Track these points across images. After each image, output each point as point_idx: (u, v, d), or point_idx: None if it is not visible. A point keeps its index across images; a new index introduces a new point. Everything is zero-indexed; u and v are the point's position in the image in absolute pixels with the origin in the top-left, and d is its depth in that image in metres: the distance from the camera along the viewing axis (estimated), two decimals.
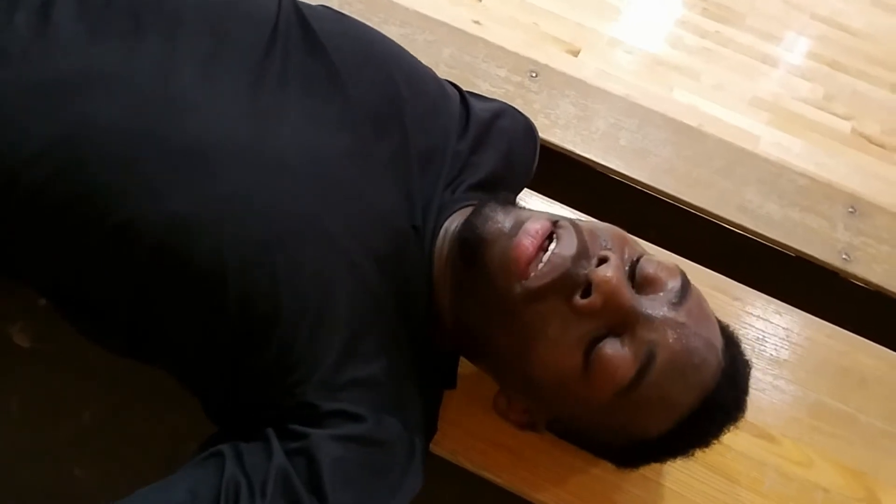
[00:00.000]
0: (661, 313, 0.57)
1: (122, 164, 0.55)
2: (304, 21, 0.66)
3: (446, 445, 0.70)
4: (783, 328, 0.88)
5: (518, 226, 0.58)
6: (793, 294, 0.93)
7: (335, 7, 0.77)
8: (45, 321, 0.73)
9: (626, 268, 0.58)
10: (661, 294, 0.58)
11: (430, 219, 0.66)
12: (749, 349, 0.73)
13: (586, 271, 0.56)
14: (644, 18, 1.26)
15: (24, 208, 0.56)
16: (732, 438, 0.65)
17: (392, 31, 1.03)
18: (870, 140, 1.19)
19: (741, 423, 0.64)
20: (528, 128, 0.84)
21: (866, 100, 1.23)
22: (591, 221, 0.64)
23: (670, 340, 0.56)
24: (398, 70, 0.70)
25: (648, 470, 0.71)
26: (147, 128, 0.56)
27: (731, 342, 0.63)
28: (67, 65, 0.56)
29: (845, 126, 1.18)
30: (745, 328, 0.87)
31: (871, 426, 0.80)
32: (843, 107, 1.20)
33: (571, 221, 0.60)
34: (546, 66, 1.08)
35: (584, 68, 1.12)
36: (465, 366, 0.70)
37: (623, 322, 0.56)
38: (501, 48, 1.08)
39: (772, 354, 0.85)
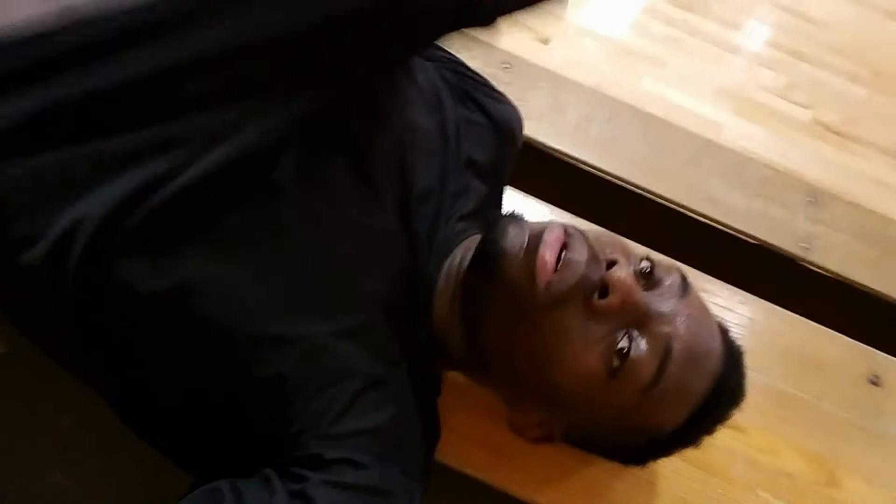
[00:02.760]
0: (671, 307, 0.60)
1: None
2: None
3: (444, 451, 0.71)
4: (747, 318, 0.91)
5: (536, 237, 0.59)
6: (755, 283, 0.96)
7: None
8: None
9: (633, 269, 0.61)
10: (666, 289, 0.61)
11: (432, 257, 0.67)
12: None
13: (601, 274, 0.59)
14: (611, 6, 1.27)
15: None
16: None
17: None
18: (828, 128, 1.22)
19: None
20: (516, 126, 0.85)
21: (826, 89, 1.26)
22: (594, 229, 0.66)
23: (682, 332, 0.59)
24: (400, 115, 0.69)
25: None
26: None
27: (723, 329, 0.67)
28: None
29: (806, 115, 1.21)
30: None
31: (831, 413, 0.84)
32: (803, 95, 1.23)
33: (578, 229, 0.62)
34: (518, 57, 1.08)
35: (553, 56, 1.12)
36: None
37: (638, 319, 0.59)
38: (474, 38, 1.08)
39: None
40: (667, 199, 1.04)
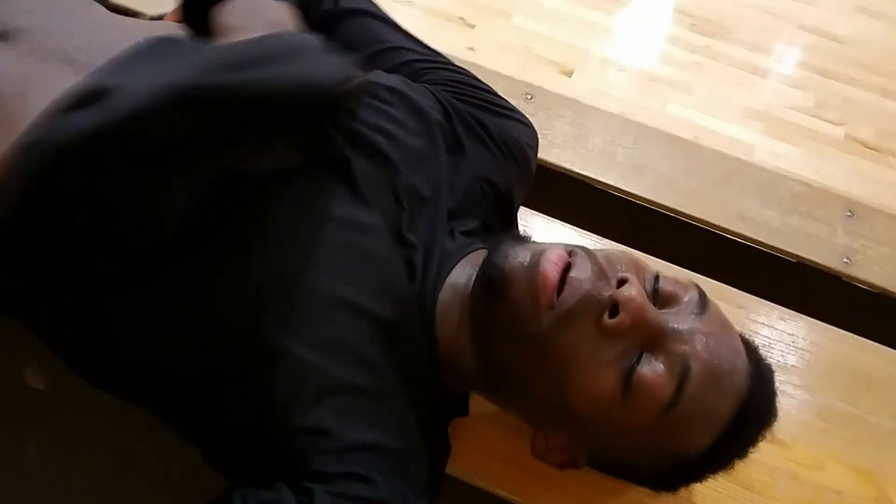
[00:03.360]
0: (688, 325, 0.58)
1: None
2: None
3: (460, 465, 0.70)
4: (788, 334, 0.89)
5: (537, 257, 0.59)
6: (796, 300, 0.94)
7: None
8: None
9: (645, 287, 0.59)
10: (682, 307, 0.59)
11: (431, 272, 0.66)
12: None
13: (609, 293, 0.58)
14: (634, 36, 1.29)
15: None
16: None
17: None
18: (864, 144, 1.20)
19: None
20: (525, 141, 0.84)
21: (857, 105, 1.25)
22: (605, 248, 0.65)
23: (701, 350, 0.57)
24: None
25: None
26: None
27: (750, 347, 0.64)
28: None
29: (839, 132, 1.20)
30: (751, 336, 0.86)
31: (879, 426, 0.81)
32: (835, 113, 1.22)
33: (584, 249, 0.61)
34: (540, 88, 1.10)
35: (578, 88, 1.14)
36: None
37: (653, 339, 0.57)
38: (496, 73, 1.10)
39: (778, 360, 0.85)
40: (699, 220, 1.03)
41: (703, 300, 0.61)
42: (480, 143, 0.78)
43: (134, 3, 1.03)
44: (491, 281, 0.60)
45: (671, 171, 1.06)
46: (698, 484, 0.69)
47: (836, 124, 1.18)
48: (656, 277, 0.61)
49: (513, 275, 0.59)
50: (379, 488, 0.54)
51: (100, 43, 0.61)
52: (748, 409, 0.60)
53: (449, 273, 0.67)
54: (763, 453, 0.75)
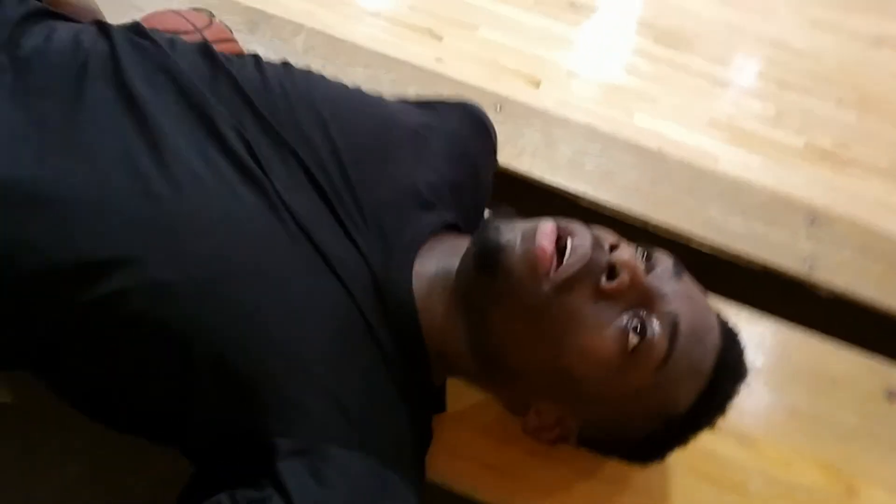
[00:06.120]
0: (671, 287, 0.62)
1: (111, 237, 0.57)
2: (240, 88, 0.68)
3: (432, 467, 0.70)
4: (756, 336, 0.91)
5: (531, 230, 0.61)
6: (763, 303, 0.96)
7: (299, 53, 0.78)
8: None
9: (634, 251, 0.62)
10: (662, 271, 0.63)
11: (396, 264, 0.66)
12: None
13: (606, 258, 0.60)
14: (599, 48, 1.32)
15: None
16: (716, 445, 0.67)
17: (358, 73, 1.06)
18: (823, 153, 1.24)
19: (723, 429, 0.67)
20: (475, 118, 0.85)
21: (815, 115, 1.29)
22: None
23: (685, 309, 0.61)
24: (338, 124, 0.70)
25: (637, 481, 0.72)
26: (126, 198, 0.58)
27: (716, 309, 0.68)
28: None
29: (798, 141, 1.24)
30: None
31: (843, 424, 0.83)
32: (794, 123, 1.25)
33: (573, 220, 0.63)
34: (509, 98, 1.11)
35: (545, 99, 1.15)
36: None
37: (644, 300, 0.60)
38: (464, 84, 1.12)
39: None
40: (666, 227, 1.05)
41: (678, 265, 0.64)
42: (431, 131, 0.78)
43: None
44: (487, 257, 0.61)
45: (638, 179, 1.08)
46: (675, 484, 0.70)
47: (795, 134, 1.21)
48: (636, 247, 0.64)
49: (509, 247, 0.60)
50: (373, 480, 0.55)
51: None
52: (725, 363, 0.64)
53: (412, 262, 0.67)
54: (735, 452, 0.77)
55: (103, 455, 0.76)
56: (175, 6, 1.02)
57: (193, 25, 0.97)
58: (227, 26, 1.02)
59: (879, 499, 0.77)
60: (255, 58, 0.74)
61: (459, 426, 0.73)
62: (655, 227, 1.04)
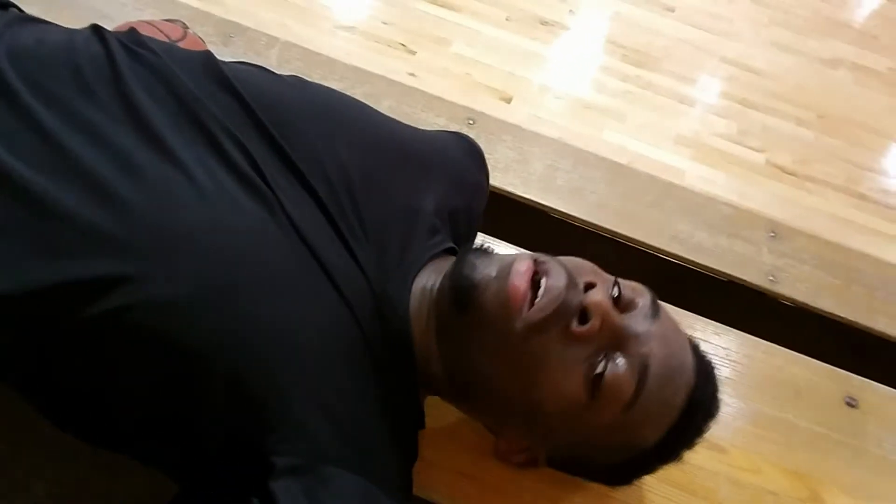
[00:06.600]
0: (645, 328, 0.61)
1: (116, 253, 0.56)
2: (242, 98, 0.67)
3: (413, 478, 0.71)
4: (722, 347, 0.93)
5: (506, 268, 0.61)
6: (728, 315, 0.99)
7: (273, 66, 0.78)
8: None
9: (608, 292, 0.62)
10: (638, 310, 0.62)
11: (396, 281, 0.66)
12: None
13: (579, 299, 0.60)
14: (570, 65, 1.34)
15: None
16: (687, 453, 0.69)
17: (332, 86, 1.06)
18: (783, 170, 1.28)
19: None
20: (472, 150, 0.85)
21: (776, 133, 1.33)
22: (565, 257, 0.67)
23: (657, 350, 0.61)
24: (345, 139, 0.70)
25: (610, 491, 0.74)
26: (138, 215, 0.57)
27: (693, 344, 0.68)
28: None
29: (759, 158, 1.28)
30: None
31: (808, 431, 0.85)
32: (756, 140, 1.29)
33: (551, 256, 0.63)
34: (482, 113, 1.13)
35: (517, 114, 1.17)
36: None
37: (616, 341, 0.60)
38: (438, 98, 1.13)
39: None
40: (635, 241, 1.07)
41: (655, 304, 0.64)
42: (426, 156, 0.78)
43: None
44: (459, 291, 0.61)
45: (608, 194, 1.10)
46: (647, 492, 0.72)
47: (757, 151, 1.26)
48: (615, 283, 0.63)
49: (482, 285, 0.61)
50: (360, 495, 0.55)
51: None
52: (696, 400, 0.64)
53: (415, 275, 0.67)
54: (704, 459, 0.79)
55: (69, 477, 0.75)
56: (147, 17, 1.02)
57: (168, 37, 0.97)
58: (200, 38, 1.02)
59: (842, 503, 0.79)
60: (260, 67, 0.74)
61: (439, 436, 0.74)
62: (625, 240, 1.07)
